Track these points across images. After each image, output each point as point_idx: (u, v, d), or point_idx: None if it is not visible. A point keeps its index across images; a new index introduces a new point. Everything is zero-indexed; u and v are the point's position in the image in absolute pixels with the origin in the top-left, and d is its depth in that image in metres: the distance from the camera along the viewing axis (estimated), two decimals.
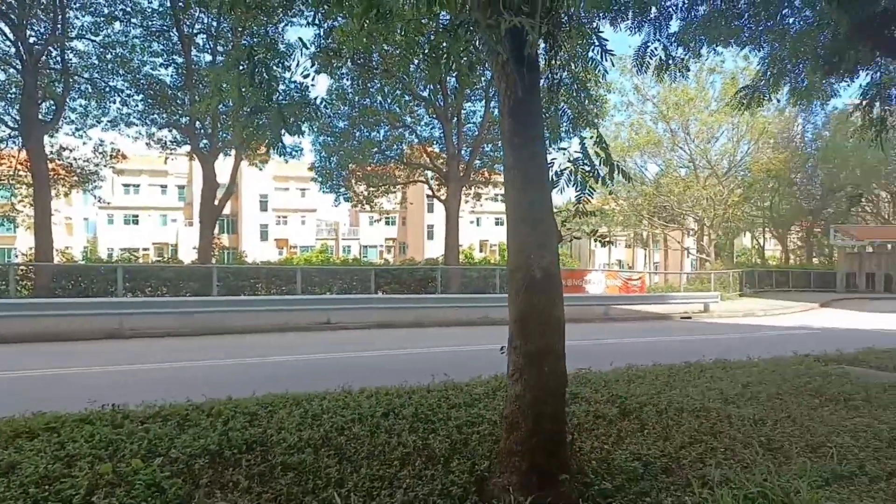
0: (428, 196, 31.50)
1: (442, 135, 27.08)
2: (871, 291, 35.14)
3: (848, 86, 9.66)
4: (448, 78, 26.27)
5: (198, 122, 24.10)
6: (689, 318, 20.59)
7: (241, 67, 4.46)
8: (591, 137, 5.01)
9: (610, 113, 35.07)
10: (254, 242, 58.46)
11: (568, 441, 4.14)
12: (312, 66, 5.33)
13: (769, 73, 8.33)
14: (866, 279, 35.82)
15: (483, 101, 27.02)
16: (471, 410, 5.64)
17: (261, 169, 33.60)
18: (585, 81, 4.64)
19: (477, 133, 27.34)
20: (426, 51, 3.70)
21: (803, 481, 4.06)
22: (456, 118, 26.69)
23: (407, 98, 25.10)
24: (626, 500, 3.72)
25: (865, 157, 38.24)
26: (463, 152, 27.63)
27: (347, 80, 24.40)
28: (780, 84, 8.58)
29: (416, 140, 28.52)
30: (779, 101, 9.45)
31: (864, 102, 8.50)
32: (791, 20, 7.99)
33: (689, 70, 7.15)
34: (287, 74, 5.41)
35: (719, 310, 22.28)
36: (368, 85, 24.15)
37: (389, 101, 25.11)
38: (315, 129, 26.10)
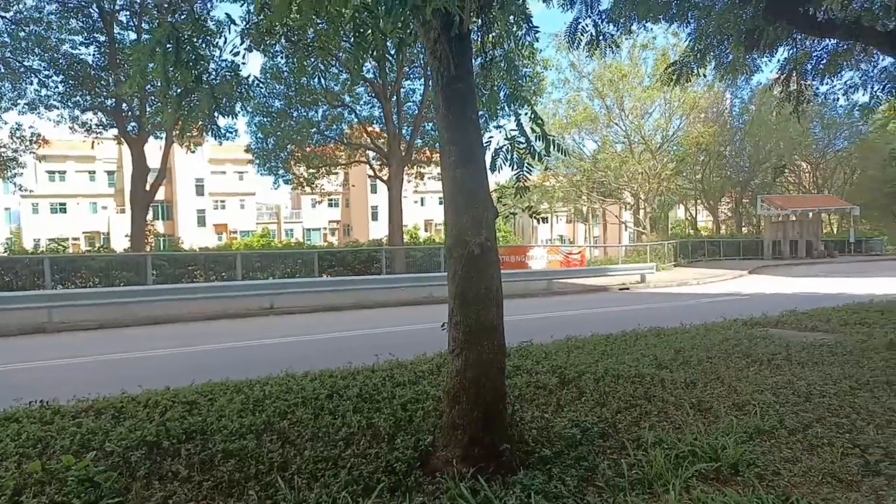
0: (370, 177, 31.26)
1: (382, 114, 26.77)
2: (794, 257, 37.16)
3: (769, 61, 10.11)
4: (395, 56, 25.90)
5: (124, 104, 22.99)
6: (627, 288, 21.28)
7: (168, 47, 4.28)
8: (527, 115, 5.07)
9: (547, 90, 35.42)
10: (191, 228, 56.59)
11: (509, 412, 4.24)
12: (242, 43, 5.17)
13: (696, 48, 8.63)
14: (790, 246, 37.82)
15: (422, 80, 26.83)
16: (415, 388, 5.70)
17: (194, 152, 32.44)
18: (513, 60, 4.66)
19: (417, 112, 27.16)
20: (350, 28, 3.62)
21: (730, 438, 4.31)
22: (395, 97, 26.40)
23: (345, 76, 24.64)
24: (564, 466, 3.86)
25: (788, 130, 40.22)
26: (404, 132, 27.44)
27: (282, 58, 23.71)
28: (707, 59, 8.90)
29: (355, 120, 28.09)
30: (705, 76, 9.78)
31: (782, 77, 8.92)
32: None
33: (618, 47, 7.31)
34: (216, 53, 5.23)
35: (655, 280, 23.11)
36: (305, 63, 23.51)
37: (327, 79, 24.60)
38: (250, 110, 25.36)
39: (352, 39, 3.62)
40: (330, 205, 67.72)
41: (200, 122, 4.88)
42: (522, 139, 4.93)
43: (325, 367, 6.77)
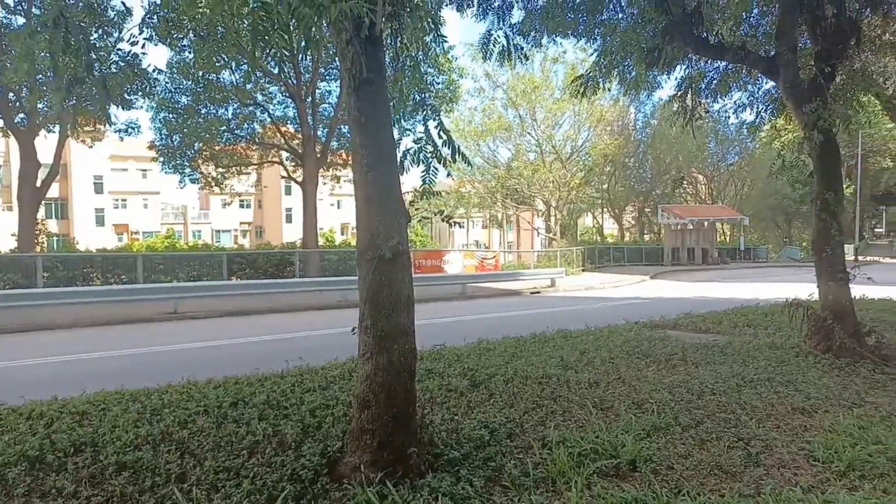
0: (284, 178, 30.41)
1: (297, 114, 26.18)
2: (692, 264, 39.54)
3: (669, 79, 10.75)
4: (302, 56, 25.44)
5: (11, 94, 21.21)
6: (538, 292, 21.90)
7: (55, 31, 3.99)
8: (435, 121, 5.14)
9: (464, 98, 35.95)
10: (88, 228, 52.87)
11: (419, 415, 4.26)
12: (141, 32, 4.91)
13: (602, 64, 9.05)
14: (688, 253, 40.23)
15: (339, 81, 26.48)
16: (326, 393, 5.61)
17: (92, 147, 30.39)
18: (419, 66, 4.70)
19: (333, 113, 26.77)
20: (248, 26, 3.52)
21: (629, 435, 4.53)
22: (311, 98, 25.92)
23: (257, 74, 23.92)
24: (472, 467, 3.92)
25: (686, 144, 42.91)
26: (320, 133, 26.97)
27: (190, 52, 22.69)
28: (612, 74, 9.34)
29: (268, 119, 27.31)
30: (610, 90, 10.27)
31: (678, 94, 9.53)
32: (620, 16, 8.71)
33: (529, 59, 7.54)
34: (111, 41, 4.95)
35: (565, 284, 23.92)
36: (214, 59, 22.65)
37: (238, 76, 23.77)
38: (153, 105, 24.09)
39: (252, 38, 3.50)
40: (241, 206, 65.41)
41: (95, 115, 4.58)
42: (430, 144, 4.99)
43: (231, 374, 6.52)
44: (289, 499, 3.40)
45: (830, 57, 7.75)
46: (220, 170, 28.55)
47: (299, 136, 26.78)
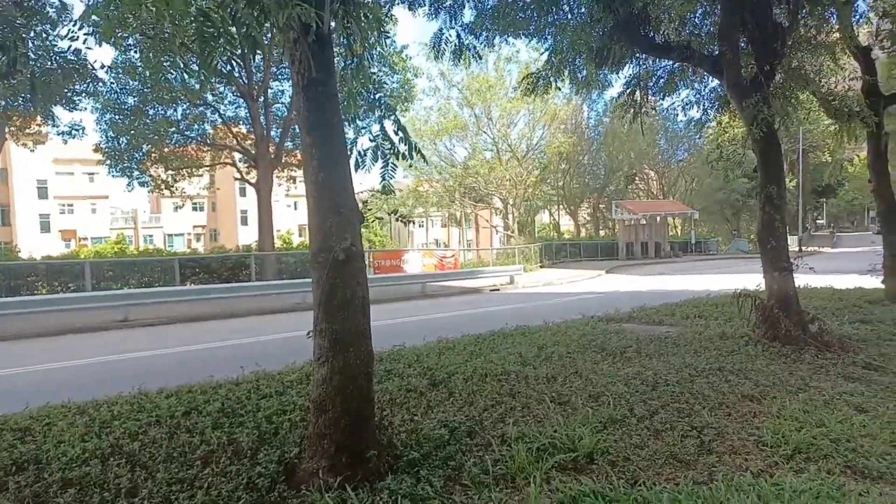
0: (238, 179, 29.75)
1: (249, 115, 25.69)
2: (645, 257, 40.46)
3: (618, 77, 10.95)
4: (252, 56, 24.94)
5: None
6: (498, 290, 22.05)
7: None
8: (390, 119, 5.13)
9: (419, 97, 35.96)
10: (33, 235, 50.80)
11: (378, 417, 4.22)
12: (80, 28, 4.71)
13: (553, 62, 9.16)
14: (641, 247, 41.13)
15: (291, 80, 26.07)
16: (282, 398, 5.51)
17: (34, 150, 29.18)
18: (365, 66, 4.68)
19: (287, 113, 26.37)
20: (195, 27, 3.42)
21: (586, 428, 4.59)
22: (263, 97, 25.46)
23: (206, 74, 23.35)
24: (432, 467, 3.91)
25: (638, 141, 43.87)
26: (273, 133, 26.53)
27: (136, 52, 21.98)
28: (563, 73, 9.48)
29: (220, 120, 26.71)
30: (560, 89, 10.42)
31: (627, 92, 9.74)
32: (569, 16, 8.84)
33: (481, 58, 7.58)
34: (50, 39, 4.75)
35: (523, 281, 24.14)
36: (162, 59, 21.99)
37: (187, 76, 23.16)
38: (98, 106, 23.27)
39: (198, 43, 3.41)
40: (194, 209, 63.85)
41: (29, 115, 4.38)
42: (387, 143, 4.98)
43: (184, 382, 6.35)
44: None
45: (769, 56, 8.04)
46: (170, 172, 27.79)
47: (252, 136, 26.28)
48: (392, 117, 5.11)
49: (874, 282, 14.31)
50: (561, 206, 58.53)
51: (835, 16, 8.83)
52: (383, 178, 5.17)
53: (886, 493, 3.67)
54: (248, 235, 52.23)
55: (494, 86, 40.65)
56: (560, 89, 10.36)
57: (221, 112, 26.53)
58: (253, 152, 26.00)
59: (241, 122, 27.56)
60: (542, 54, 9.85)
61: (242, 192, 57.71)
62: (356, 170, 4.97)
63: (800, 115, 12.15)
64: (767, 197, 8.28)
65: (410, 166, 39.86)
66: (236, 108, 27.26)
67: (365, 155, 5.07)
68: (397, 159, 5.12)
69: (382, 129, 5.02)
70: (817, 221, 74.20)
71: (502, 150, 44.71)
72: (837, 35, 10.28)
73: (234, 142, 26.98)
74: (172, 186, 28.74)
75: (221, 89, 26.38)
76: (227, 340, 11.19)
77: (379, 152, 5.03)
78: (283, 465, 3.87)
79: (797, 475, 3.91)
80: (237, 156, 28.90)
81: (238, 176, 29.27)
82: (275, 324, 13.46)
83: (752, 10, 7.88)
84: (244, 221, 59.96)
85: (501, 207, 50.46)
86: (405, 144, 5.12)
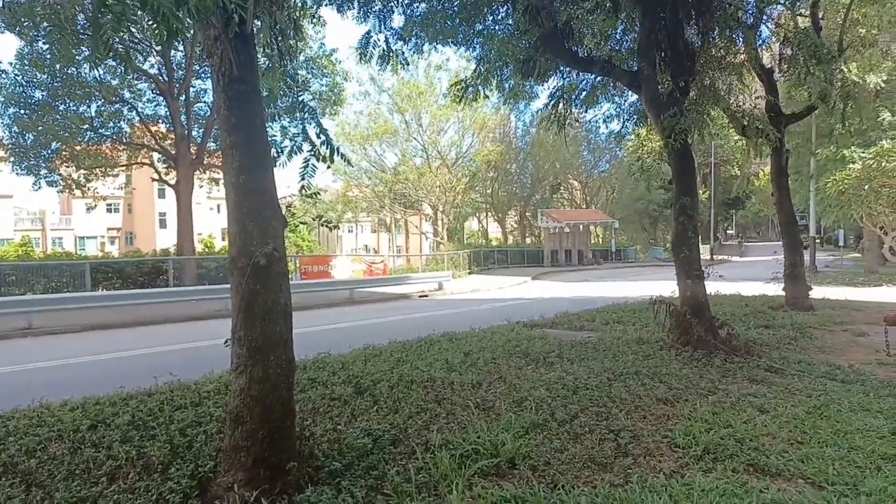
0: (156, 180, 28.41)
1: (168, 113, 24.62)
2: (569, 264, 41.66)
3: (544, 88, 11.26)
4: (174, 52, 23.96)
5: None
6: (426, 296, 22.08)
7: None
8: (309, 121, 5.05)
9: (349, 101, 35.61)
10: None
11: (299, 428, 4.11)
12: None
13: (480, 71, 9.31)
14: (565, 254, 42.35)
15: None
16: (198, 410, 5.28)
17: None
18: (275, 69, 4.59)
19: (209, 112, 25.45)
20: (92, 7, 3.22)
21: (509, 434, 4.64)
22: (184, 96, 24.49)
23: (123, 70, 22.24)
24: (354, 477, 3.84)
25: (562, 152, 45.21)
26: (194, 133, 25.54)
27: (44, 42, 20.63)
28: (491, 82, 9.64)
29: (137, 118, 25.44)
30: (488, 97, 10.60)
31: (551, 103, 10.03)
32: (497, 27, 9.01)
33: (409, 64, 7.59)
34: None
35: (452, 287, 24.30)
36: (74, 51, 20.75)
37: (102, 71, 21.94)
38: (1, 99, 21.70)
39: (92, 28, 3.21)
40: (109, 210, 60.57)
41: None
42: (308, 144, 4.88)
43: (91, 394, 5.96)
44: None
45: (683, 74, 8.48)
46: (82, 171, 26.21)
47: (172, 136, 25.20)
48: (314, 119, 5.03)
49: (776, 289, 15.31)
50: (489, 214, 59.45)
51: (742, 38, 9.41)
52: (302, 178, 5.07)
53: (783, 489, 3.91)
54: (167, 239, 49.95)
55: (425, 92, 40.90)
56: (488, 97, 10.53)
57: (139, 110, 25.30)
58: (173, 152, 24.93)
59: (160, 121, 26.38)
60: (470, 63, 9.99)
61: (161, 194, 55.21)
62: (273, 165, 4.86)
63: (711, 130, 12.87)
64: (681, 208, 8.70)
65: (335, 171, 39.45)
66: (155, 105, 26.11)
67: (282, 153, 4.95)
68: (319, 161, 5.04)
69: (304, 130, 4.93)
70: (727, 231, 78.76)
71: (432, 156, 44.98)
72: (744, 56, 10.96)
73: (153, 141, 25.74)
74: (84, 186, 27.12)
75: (140, 86, 25.19)
76: (140, 349, 10.63)
77: (297, 152, 4.93)
78: (196, 479, 3.69)
79: (706, 475, 4.10)
80: (156, 156, 27.59)
81: (156, 177, 27.96)
82: (194, 332, 12.91)
83: (667, 29, 8.29)
84: (163, 224, 57.38)
85: (431, 214, 50.68)
86: (327, 147, 5.05)
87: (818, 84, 9.93)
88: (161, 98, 24.81)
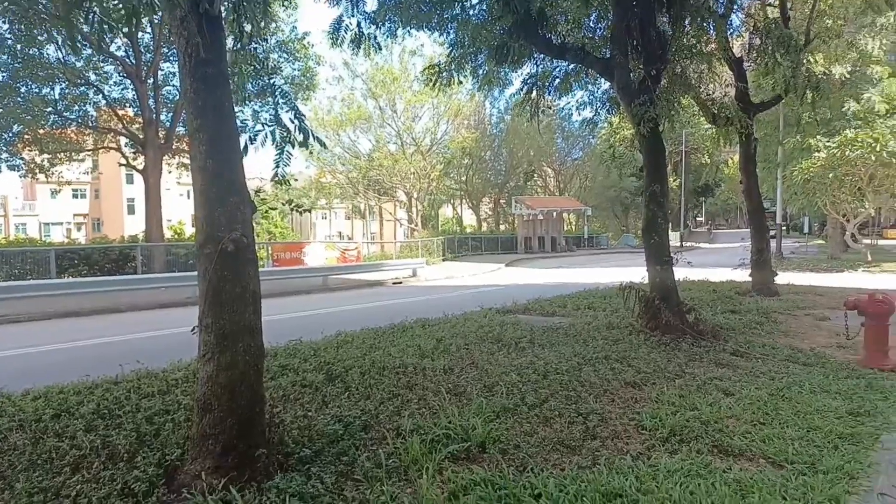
0: (124, 165, 27.73)
1: (136, 96, 24.01)
2: (542, 251, 41.94)
3: (518, 75, 11.23)
4: (141, 34, 23.30)
5: None
6: (400, 282, 22.06)
7: None
8: (285, 106, 4.98)
9: (322, 86, 35.16)
10: None
11: (268, 415, 4.09)
12: None
13: (454, 56, 9.26)
14: (539, 241, 42.61)
15: None
16: (166, 398, 5.21)
17: None
18: (250, 47, 4.52)
19: (178, 96, 24.87)
20: None
21: (479, 418, 4.68)
22: (153, 79, 23.90)
23: (89, 51, 21.63)
24: (324, 464, 3.84)
25: (537, 139, 45.36)
26: (164, 117, 24.98)
27: (4, 22, 19.92)
28: (465, 68, 9.60)
29: (103, 101, 24.75)
30: (462, 83, 10.56)
31: (525, 90, 10.04)
32: (471, 12, 8.96)
33: (381, 48, 7.51)
34: None
35: (426, 274, 24.30)
36: (35, 31, 20.07)
37: (66, 52, 21.28)
38: None
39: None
40: (75, 196, 59.16)
41: None
42: (282, 129, 4.83)
43: (55, 383, 5.85)
44: None
45: (655, 62, 8.55)
46: (46, 155, 25.49)
47: (140, 119, 24.61)
48: (288, 103, 4.96)
49: (743, 275, 15.64)
50: (464, 201, 59.49)
51: (713, 27, 9.51)
52: (277, 166, 5.02)
53: (745, 469, 4.02)
54: (135, 225, 48.97)
55: (399, 78, 40.57)
56: (462, 83, 10.49)
57: (106, 93, 24.59)
58: (141, 137, 24.34)
59: (127, 105, 25.70)
60: (445, 49, 9.91)
61: (129, 179, 54.05)
62: (244, 153, 4.79)
63: (682, 118, 13.02)
64: (652, 195, 8.81)
65: (311, 154, 39.05)
66: (123, 89, 25.37)
67: (255, 139, 4.89)
68: (293, 147, 4.99)
69: (276, 115, 4.87)
70: (697, 219, 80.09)
71: (406, 143, 44.75)
72: (715, 45, 11.09)
73: (120, 125, 25.09)
74: (49, 171, 26.40)
75: (106, 68, 24.49)
76: (107, 337, 10.44)
77: (270, 138, 4.89)
78: (163, 468, 3.65)
79: (671, 456, 4.19)
80: (123, 140, 26.91)
81: (124, 162, 27.31)
82: (163, 319, 12.72)
83: (639, 17, 8.34)
84: (131, 210, 56.25)
85: (405, 200, 50.51)
86: (301, 132, 4.99)
87: (785, 74, 10.11)
88: (128, 81, 24.17)
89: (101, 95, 24.46)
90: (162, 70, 24.78)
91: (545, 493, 3.49)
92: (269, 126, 4.80)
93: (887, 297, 7.47)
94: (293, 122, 4.98)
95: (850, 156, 21.20)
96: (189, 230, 45.42)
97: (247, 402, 3.72)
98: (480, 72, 10.13)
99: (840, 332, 8.45)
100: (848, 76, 15.41)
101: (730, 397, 5.58)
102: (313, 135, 4.78)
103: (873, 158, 20.85)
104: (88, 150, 28.45)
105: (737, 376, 6.43)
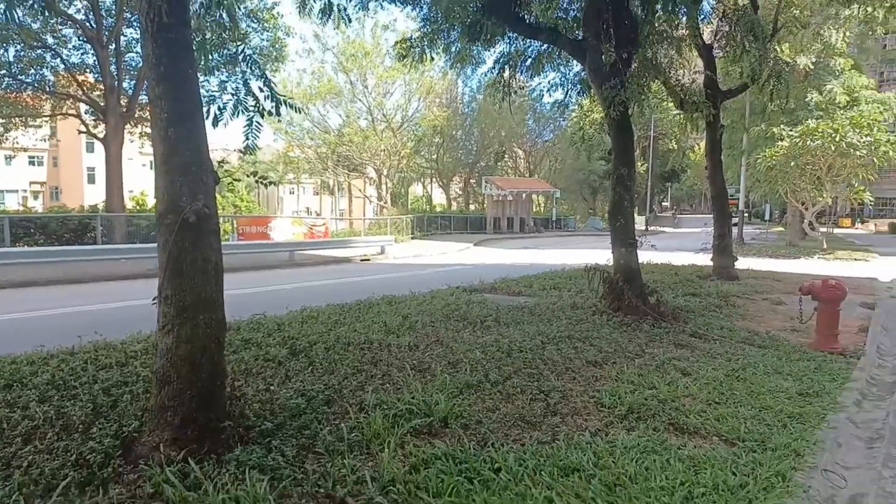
0: (84, 133, 26.81)
1: (97, 62, 23.15)
2: (511, 232, 42.21)
3: (492, 54, 11.15)
4: None
5: None
6: (368, 260, 21.98)
7: None
8: (254, 73, 4.86)
9: (291, 58, 34.45)
10: None
11: (229, 388, 4.05)
12: None
13: (426, 32, 9.15)
14: (508, 222, 42.84)
15: None
16: (124, 370, 5.12)
17: None
18: (216, 13, 4.40)
19: (142, 64, 24.06)
20: None
21: (443, 394, 4.72)
22: (115, 44, 23.06)
23: (47, 13, 20.70)
24: (286, 437, 3.83)
25: (508, 120, 45.32)
26: (126, 85, 24.18)
27: None
28: (437, 44, 9.50)
29: (62, 66, 23.80)
30: (434, 59, 10.46)
31: (496, 68, 10.00)
32: None
33: (351, 21, 7.36)
34: None
35: (394, 252, 24.24)
36: None
37: (21, 13, 20.36)
38: None
39: None
40: (31, 163, 57.06)
41: None
42: (251, 98, 4.73)
43: (7, 353, 5.68)
44: (71, 486, 3.05)
45: (626, 45, 8.59)
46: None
47: (101, 86, 23.77)
48: (257, 71, 4.85)
49: (705, 259, 16.00)
50: (434, 180, 59.29)
51: (684, 12, 9.57)
52: (247, 139, 4.92)
53: (699, 446, 4.15)
54: (96, 195, 47.53)
55: (371, 53, 39.97)
56: (434, 60, 10.39)
57: (65, 57, 23.65)
58: (102, 104, 23.53)
59: (88, 70, 24.76)
60: (417, 23, 9.77)
61: (90, 148, 52.23)
62: (214, 126, 4.68)
63: (650, 103, 13.14)
64: (619, 178, 8.91)
65: (280, 125, 38.37)
66: (83, 54, 24.42)
67: (224, 109, 4.79)
68: (262, 117, 4.89)
69: (246, 83, 4.76)
70: (663, 203, 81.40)
71: (377, 119, 44.25)
72: (686, 31, 11.18)
73: (80, 91, 24.20)
74: (2, 136, 25.41)
75: (65, 31, 23.52)
76: (64, 308, 10.18)
77: (240, 108, 4.79)
78: (119, 439, 3.59)
79: (628, 433, 4.30)
80: (83, 107, 25.99)
81: (84, 129, 26.40)
82: (124, 291, 12.45)
83: (612, 0, 8.35)
84: (91, 180, 54.57)
85: (375, 178, 50.11)
86: (272, 101, 4.89)
87: (752, 62, 10.26)
88: (88, 46, 23.27)
89: (59, 60, 23.53)
90: (125, 36, 23.95)
91: (505, 467, 3.55)
92: (236, 96, 4.70)
93: (839, 283, 7.75)
94: (262, 91, 4.88)
95: (811, 145, 21.74)
96: (151, 201, 44.31)
97: (207, 374, 3.68)
98: (453, 49, 10.03)
99: (795, 316, 8.73)
100: (812, 67, 15.74)
101: (687, 377, 5.74)
102: (286, 102, 4.69)
103: (833, 149, 21.42)
104: (46, 116, 27.44)
105: (695, 357, 6.61)
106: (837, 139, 21.11)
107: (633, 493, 3.32)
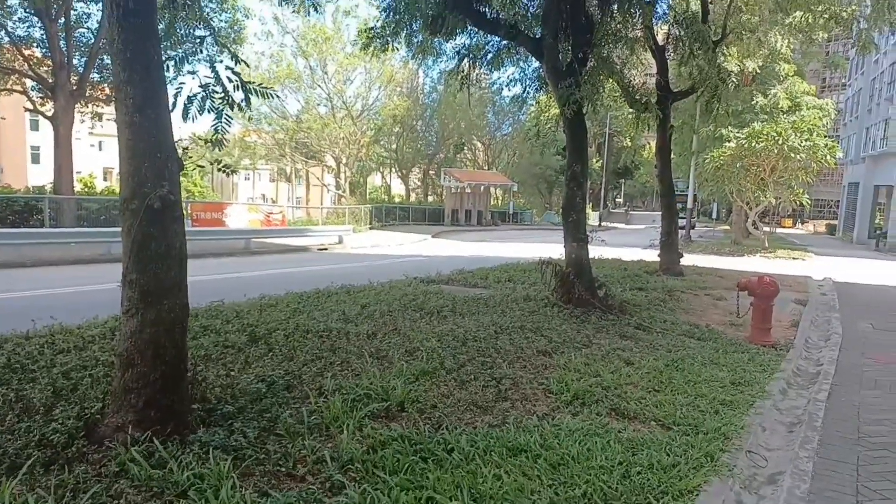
0: (29, 110, 25.69)
1: (45, 37, 22.25)
2: (468, 224, 42.52)
3: (452, 47, 11.29)
4: None
5: None
6: (326, 249, 21.93)
7: None
8: (221, 61, 4.89)
9: (249, 40, 33.79)
10: None
11: (191, 373, 4.14)
12: None
13: (389, 23, 9.25)
14: (465, 214, 43.11)
15: (99, 2, 22.94)
16: (83, 354, 5.14)
17: None
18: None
19: (93, 39, 23.26)
20: None
21: (400, 380, 4.92)
22: (65, 18, 22.19)
23: None
24: (247, 420, 3.96)
25: (468, 112, 45.55)
26: (76, 62, 23.32)
27: None
28: (399, 35, 9.60)
29: (6, 39, 22.78)
30: (397, 49, 10.53)
31: (457, 61, 10.20)
32: None
33: (317, 9, 7.37)
34: None
35: (352, 242, 24.23)
36: None
37: None
38: None
39: None
40: None
41: None
42: (219, 88, 4.74)
43: None
44: (36, 465, 3.13)
45: (583, 45, 8.88)
46: None
47: (49, 62, 22.87)
48: (227, 54, 4.86)
49: (653, 255, 16.61)
50: (393, 170, 59.09)
51: (639, 14, 9.92)
52: (216, 132, 4.90)
53: (638, 430, 4.47)
54: (41, 176, 45.66)
55: (332, 38, 39.52)
56: (397, 50, 10.48)
57: (9, 29, 22.63)
58: (50, 81, 22.65)
59: (35, 45, 23.76)
60: (379, 11, 9.78)
61: (35, 126, 50.12)
62: (184, 119, 4.69)
63: (604, 102, 13.53)
64: (573, 175, 9.23)
65: (250, 118, 37.65)
66: (29, 26, 23.41)
67: (191, 103, 4.77)
68: (231, 109, 4.89)
69: (215, 72, 4.76)
70: (616, 200, 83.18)
71: (337, 106, 43.83)
72: (640, 32, 11.56)
73: (26, 66, 23.21)
74: None
75: (10, 2, 22.49)
76: (12, 292, 9.94)
77: (208, 102, 4.77)
78: (83, 420, 3.66)
79: (573, 417, 4.59)
80: (29, 83, 24.93)
81: (30, 107, 25.35)
82: (75, 275, 12.16)
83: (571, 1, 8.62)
84: (35, 159, 52.35)
85: (334, 166, 49.66)
86: (241, 91, 4.90)
87: (699, 65, 10.72)
88: (36, 19, 22.35)
89: (3, 32, 22.51)
90: (75, 10, 23.06)
91: (457, 448, 3.77)
92: (203, 88, 4.69)
93: (773, 280, 8.26)
94: (231, 81, 4.89)
95: (755, 147, 22.69)
96: (101, 184, 42.92)
97: (171, 358, 3.76)
98: (415, 40, 10.14)
99: (733, 311, 9.25)
100: (759, 71, 16.43)
101: (630, 366, 6.09)
102: (256, 91, 4.74)
103: (776, 151, 22.42)
104: None
105: (638, 348, 6.98)
106: (780, 142, 22.10)
107: (576, 472, 3.59)
